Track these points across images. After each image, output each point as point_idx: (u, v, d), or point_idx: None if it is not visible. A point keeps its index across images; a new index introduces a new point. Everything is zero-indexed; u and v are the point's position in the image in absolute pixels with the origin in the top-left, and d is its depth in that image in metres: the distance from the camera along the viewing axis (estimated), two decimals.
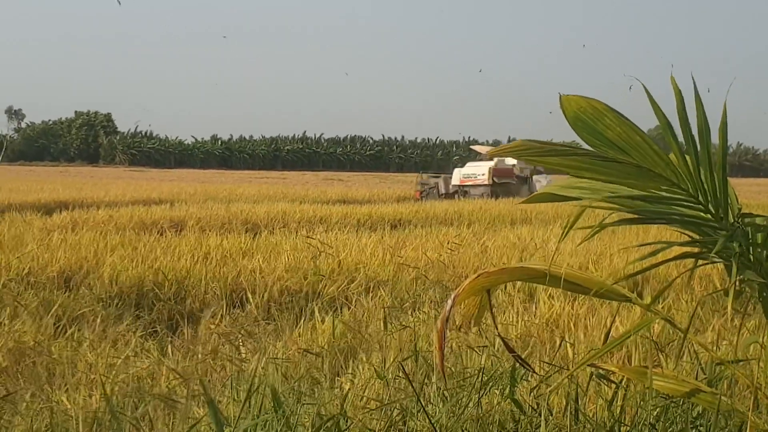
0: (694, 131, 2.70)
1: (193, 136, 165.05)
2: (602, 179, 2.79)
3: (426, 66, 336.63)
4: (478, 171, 44.88)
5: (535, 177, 46.54)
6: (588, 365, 3.62)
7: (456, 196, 43.34)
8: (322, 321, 8.09)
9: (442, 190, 45.26)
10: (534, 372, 3.51)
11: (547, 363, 4.75)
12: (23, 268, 10.84)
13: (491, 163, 44.88)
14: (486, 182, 43.75)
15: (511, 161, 45.04)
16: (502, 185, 43.89)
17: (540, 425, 3.62)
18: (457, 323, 5.80)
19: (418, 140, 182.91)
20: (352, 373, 5.56)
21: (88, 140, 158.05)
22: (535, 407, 3.97)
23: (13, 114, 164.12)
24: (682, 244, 2.88)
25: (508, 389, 3.96)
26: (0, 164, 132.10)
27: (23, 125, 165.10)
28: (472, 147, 62.56)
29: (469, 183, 44.58)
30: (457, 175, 45.92)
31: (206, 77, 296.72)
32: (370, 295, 10.31)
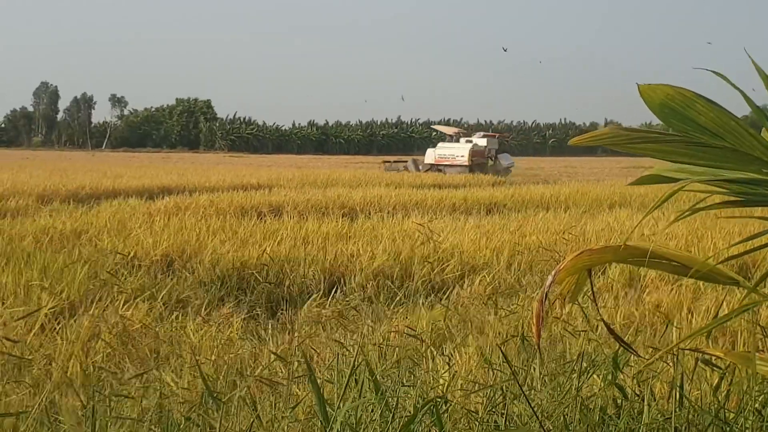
0: None
1: (293, 123, 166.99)
2: (699, 164, 2.75)
3: (523, 48, 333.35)
4: (456, 152, 52.60)
5: (499, 155, 56.08)
6: (692, 350, 3.56)
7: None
8: (421, 304, 8.13)
9: (412, 169, 51.46)
10: (638, 356, 3.45)
11: (650, 348, 4.68)
12: (129, 252, 11.15)
13: (469, 146, 53.22)
14: (466, 163, 51.14)
15: (482, 143, 55.07)
16: (477, 165, 51.68)
17: (643, 410, 3.58)
18: (551, 302, 5.76)
19: (513, 123, 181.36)
20: (451, 356, 5.57)
21: (188, 126, 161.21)
22: (638, 392, 3.92)
23: (117, 101, 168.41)
24: None
25: (609, 374, 3.92)
26: (104, 151, 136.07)
27: (126, 112, 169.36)
28: (434, 127, 73.84)
29: (446, 163, 51.65)
30: (431, 155, 53.40)
31: (304, 68, 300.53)
32: (467, 279, 10.31)
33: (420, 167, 52.49)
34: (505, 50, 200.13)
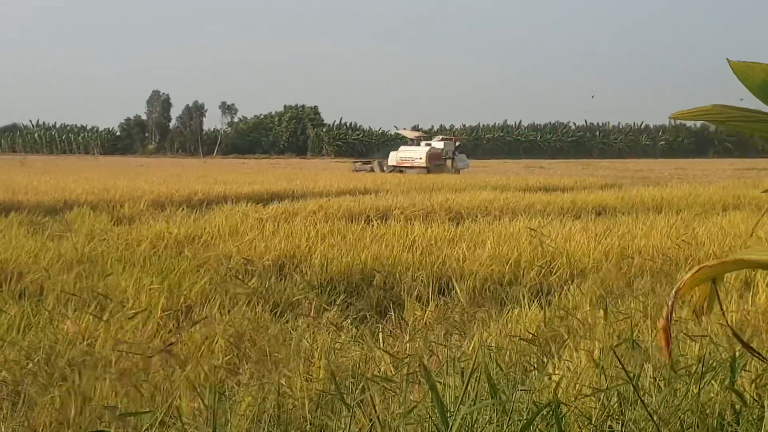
0: None
1: (395, 126, 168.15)
2: None
3: (627, 49, 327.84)
4: (415, 155, 58.74)
5: (456, 156, 61.77)
6: None
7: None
8: (530, 308, 8.09)
9: (377, 170, 57.95)
10: (765, 360, 3.38)
11: None
12: (241, 257, 11.38)
13: (426, 149, 59.23)
14: (423, 164, 57.07)
15: (439, 146, 61.17)
16: (435, 166, 57.47)
17: (763, 417, 3.51)
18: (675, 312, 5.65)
19: (621, 125, 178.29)
20: (562, 360, 5.54)
21: (296, 133, 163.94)
22: (757, 398, 3.84)
23: (227, 109, 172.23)
24: None
25: (727, 379, 3.85)
26: (215, 157, 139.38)
27: (236, 120, 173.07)
28: (398, 131, 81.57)
29: (407, 164, 57.59)
30: (394, 158, 59.72)
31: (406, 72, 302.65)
32: (575, 281, 10.21)
33: (384, 168, 58.90)
34: (593, 97, 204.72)
